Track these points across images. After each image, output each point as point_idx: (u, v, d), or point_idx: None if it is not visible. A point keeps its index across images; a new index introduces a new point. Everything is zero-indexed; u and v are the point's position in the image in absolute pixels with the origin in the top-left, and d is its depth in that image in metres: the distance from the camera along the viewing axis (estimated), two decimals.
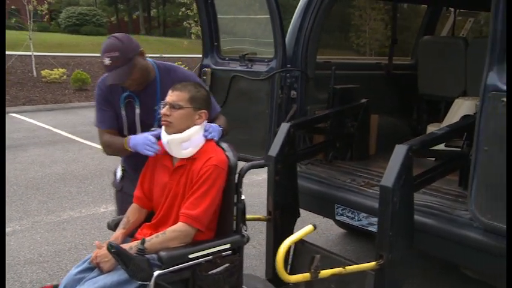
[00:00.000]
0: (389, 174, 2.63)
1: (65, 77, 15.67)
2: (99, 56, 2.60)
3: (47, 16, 35.22)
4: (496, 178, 2.49)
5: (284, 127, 3.27)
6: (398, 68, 4.58)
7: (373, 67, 4.26)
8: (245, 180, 2.48)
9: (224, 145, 2.47)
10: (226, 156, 2.38)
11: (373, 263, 2.65)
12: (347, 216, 3.31)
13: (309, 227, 2.40)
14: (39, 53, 17.81)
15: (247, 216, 3.13)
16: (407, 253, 2.74)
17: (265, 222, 3.29)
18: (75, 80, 14.74)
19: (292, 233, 3.31)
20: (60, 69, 15.90)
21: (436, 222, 2.85)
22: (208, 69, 4.00)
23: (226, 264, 2.27)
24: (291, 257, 3.20)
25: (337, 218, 3.38)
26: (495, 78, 2.49)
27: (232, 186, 2.40)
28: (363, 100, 3.75)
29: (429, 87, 4.47)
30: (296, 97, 3.69)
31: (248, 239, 2.46)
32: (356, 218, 3.26)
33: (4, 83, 3.31)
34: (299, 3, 3.72)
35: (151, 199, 2.50)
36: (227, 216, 2.42)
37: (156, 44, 28.65)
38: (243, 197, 2.45)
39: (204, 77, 3.99)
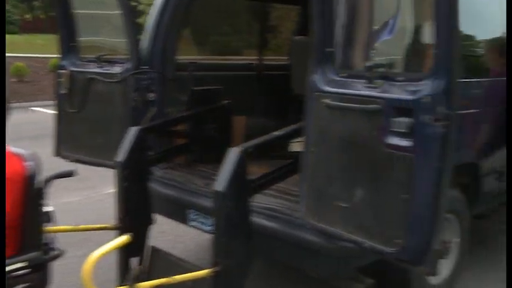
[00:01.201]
0: (222, 178, 2.56)
1: None
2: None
3: None
4: (323, 180, 2.49)
5: (132, 131, 3.13)
6: (273, 68, 4.56)
7: (244, 68, 4.22)
8: None
9: (24, 153, 2.28)
10: (24, 165, 2.21)
11: (207, 271, 2.57)
12: (200, 222, 3.23)
13: (124, 238, 2.27)
14: None
15: (93, 226, 2.98)
16: (245, 258, 2.68)
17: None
18: None
19: (145, 241, 3.20)
20: None
21: (276, 225, 2.82)
22: (66, 71, 3.77)
23: (22, 285, 2.08)
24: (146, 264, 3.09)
25: (190, 223, 3.28)
26: (318, 79, 2.48)
27: (33, 198, 2.22)
28: (224, 102, 3.68)
29: (302, 87, 4.47)
30: (154, 99, 3.56)
31: (59, 254, 2.29)
32: (208, 223, 3.17)
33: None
34: (155, 1, 3.58)
35: None
36: (31, 230, 2.23)
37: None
38: (49, 208, 2.28)
39: (61, 79, 3.76)
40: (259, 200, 2.93)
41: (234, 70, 4.11)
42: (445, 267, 3.26)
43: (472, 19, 3.08)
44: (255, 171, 2.80)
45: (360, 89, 2.29)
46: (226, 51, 4.26)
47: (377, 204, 2.21)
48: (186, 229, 3.63)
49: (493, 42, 3.25)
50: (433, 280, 3.14)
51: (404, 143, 2.09)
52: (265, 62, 4.30)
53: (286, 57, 4.97)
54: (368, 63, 2.31)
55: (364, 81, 2.28)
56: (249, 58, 4.32)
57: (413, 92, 2.07)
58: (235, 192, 2.55)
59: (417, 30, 2.22)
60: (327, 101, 2.38)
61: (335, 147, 2.38)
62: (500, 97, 3.26)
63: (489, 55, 3.23)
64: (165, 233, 4.31)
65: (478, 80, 3.13)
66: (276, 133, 2.78)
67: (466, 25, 2.98)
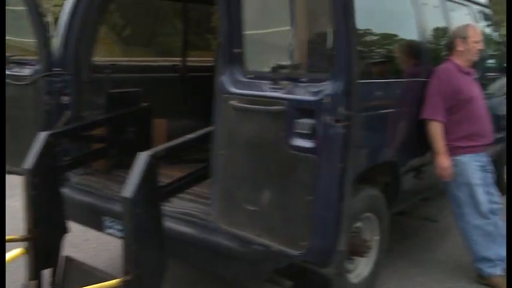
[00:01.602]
0: (130, 184, 2.46)
1: None
2: None
3: None
4: (232, 183, 2.45)
5: (41, 136, 2.97)
6: (198, 69, 4.48)
7: (167, 69, 4.12)
8: None
9: None
10: None
11: (117, 280, 2.47)
12: (116, 229, 3.10)
13: (18, 251, 2.14)
14: None
15: None
16: (158, 266, 2.60)
17: None
18: None
19: (59, 251, 3.04)
20: None
21: (191, 229, 2.75)
22: None
23: None
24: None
25: (106, 231, 3.16)
26: (226, 80, 2.44)
27: None
28: (143, 104, 3.58)
29: None
30: (69, 103, 3.40)
31: None
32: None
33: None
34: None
35: None
36: None
37: None
38: None
39: None
40: (175, 205, 2.86)
41: (156, 72, 4.00)
42: (366, 266, 3.30)
43: (388, 21, 3.15)
44: (177, 175, 2.74)
45: (266, 90, 2.26)
46: (150, 53, 4.15)
47: (283, 206, 2.19)
48: (110, 237, 3.51)
49: (404, 44, 3.32)
50: (354, 279, 3.18)
51: (307, 144, 2.08)
52: (190, 64, 4.22)
53: (212, 59, 4.93)
54: (273, 64, 2.29)
55: (270, 82, 2.26)
56: (173, 60, 4.22)
57: (315, 93, 2.07)
58: (145, 198, 2.46)
59: (320, 31, 2.22)
60: (234, 102, 2.35)
61: (243, 149, 2.34)
62: (417, 97, 3.35)
63: (402, 57, 3.30)
64: (89, 240, 4.15)
65: (394, 80, 3.19)
66: (189, 136, 2.71)
67: (382, 27, 3.07)
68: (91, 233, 3.87)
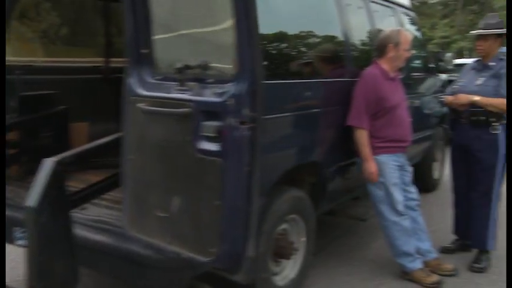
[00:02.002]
0: (34, 192, 2.32)
1: None
2: None
3: None
4: (142, 189, 2.35)
5: None
6: (122, 71, 4.30)
7: (89, 71, 3.94)
8: None
9: None
10: None
11: None
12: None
13: None
14: None
15: None
16: (67, 278, 2.46)
17: None
18: None
19: None
20: None
21: (106, 238, 2.63)
22: None
23: None
24: None
25: (17, 242, 2.97)
26: (134, 82, 2.34)
27: None
28: (60, 108, 3.40)
29: None
30: None
31: None
32: None
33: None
34: None
35: None
36: None
37: None
38: None
39: None
40: (90, 212, 2.73)
41: (77, 73, 3.81)
42: (292, 267, 3.28)
43: (307, 20, 3.13)
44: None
45: (173, 92, 2.18)
46: (72, 53, 3.95)
47: (192, 212, 2.12)
48: None
49: (325, 44, 3.33)
50: (280, 281, 3.15)
51: (213, 147, 2.02)
52: (114, 65, 4.06)
53: None
54: (179, 65, 2.21)
55: (177, 83, 2.18)
56: (96, 60, 4.04)
57: (220, 95, 2.01)
58: (51, 206, 2.33)
59: (224, 30, 2.15)
60: (142, 105, 2.25)
61: (152, 154, 2.26)
62: (339, 98, 3.36)
63: (323, 57, 3.29)
64: (10, 253, 3.91)
65: (317, 80, 3.18)
66: (100, 141, 2.59)
67: (301, 26, 3.04)
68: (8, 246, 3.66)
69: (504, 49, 8.14)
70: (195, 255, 2.11)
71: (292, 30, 2.78)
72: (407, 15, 4.78)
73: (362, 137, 3.33)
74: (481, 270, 3.66)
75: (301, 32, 2.92)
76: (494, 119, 3.53)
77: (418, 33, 5.14)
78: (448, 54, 5.09)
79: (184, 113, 2.08)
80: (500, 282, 3.51)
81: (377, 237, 4.33)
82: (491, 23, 3.61)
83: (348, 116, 3.34)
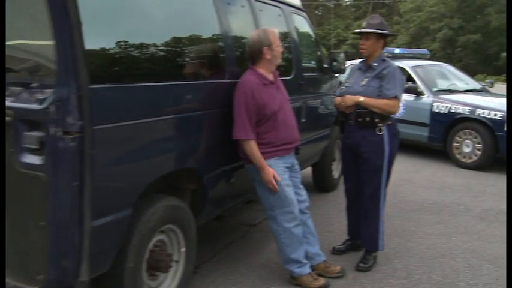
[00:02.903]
0: None
1: None
2: None
3: None
4: None
5: None
6: None
7: None
8: None
9: None
10: None
11: None
12: None
13: None
14: None
15: None
16: None
17: None
18: None
19: None
20: None
21: None
22: None
23: None
24: None
25: None
26: None
27: None
28: None
29: None
30: None
31: None
32: None
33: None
34: None
35: None
36: None
37: None
38: None
39: None
40: None
41: None
42: (172, 280, 3.09)
43: (171, 19, 2.93)
44: None
45: None
46: None
47: (17, 235, 1.86)
48: None
49: (199, 49, 3.15)
50: None
51: (36, 160, 1.78)
52: None
53: None
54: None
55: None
56: None
57: (41, 101, 1.77)
58: None
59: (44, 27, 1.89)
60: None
61: None
62: (217, 100, 3.21)
63: (197, 61, 3.11)
64: None
65: (190, 83, 3.00)
66: None
67: (163, 25, 2.84)
68: None
69: (391, 50, 8.44)
70: (22, 284, 1.86)
71: (138, 27, 2.52)
72: (298, 14, 4.73)
73: (252, 148, 3.20)
74: (367, 270, 3.67)
75: (156, 29, 2.68)
76: (378, 120, 3.55)
77: (311, 33, 5.12)
78: (341, 55, 5.12)
79: (7, 122, 1.82)
80: (385, 280, 3.54)
81: (271, 241, 4.25)
82: (373, 23, 3.62)
83: (234, 130, 3.21)
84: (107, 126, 2.08)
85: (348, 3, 28.53)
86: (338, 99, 3.72)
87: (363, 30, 3.63)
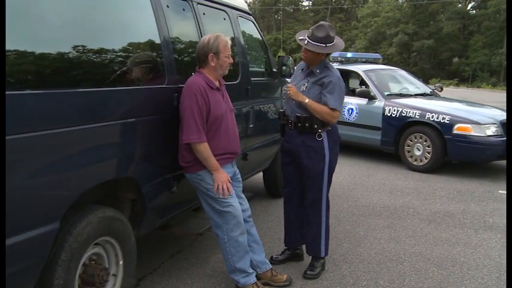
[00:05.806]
0: None
1: None
2: None
3: None
4: None
5: None
6: None
7: None
8: None
9: None
10: None
11: None
12: None
13: None
14: None
15: None
16: None
17: None
18: None
19: None
20: None
21: None
22: None
23: None
24: None
25: None
26: None
27: None
28: None
29: None
30: None
31: None
32: None
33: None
34: None
35: None
36: None
37: None
38: None
39: None
40: None
41: None
42: None
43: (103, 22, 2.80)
44: None
45: None
46: None
47: None
48: None
49: (136, 53, 3.01)
50: None
51: None
52: None
53: None
54: None
55: None
56: None
57: None
58: None
59: None
60: None
61: None
62: (155, 106, 3.08)
63: (134, 66, 2.97)
64: None
65: (125, 88, 2.85)
66: None
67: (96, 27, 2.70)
68: None
69: (344, 54, 8.45)
70: None
71: (67, 29, 2.37)
72: (245, 18, 4.66)
73: (205, 150, 3.09)
74: (314, 277, 3.62)
75: (88, 32, 2.53)
76: (317, 126, 3.51)
77: (259, 38, 5.06)
78: (290, 59, 5.08)
79: None
80: (332, 287, 3.50)
81: (218, 250, 4.15)
82: (318, 36, 3.45)
83: (183, 135, 3.09)
84: (25, 135, 1.95)
85: (307, 8, 28.88)
86: (289, 85, 3.65)
87: (303, 44, 3.53)
